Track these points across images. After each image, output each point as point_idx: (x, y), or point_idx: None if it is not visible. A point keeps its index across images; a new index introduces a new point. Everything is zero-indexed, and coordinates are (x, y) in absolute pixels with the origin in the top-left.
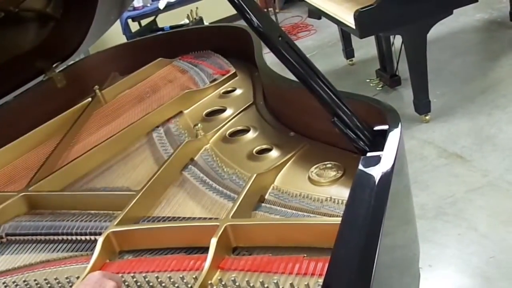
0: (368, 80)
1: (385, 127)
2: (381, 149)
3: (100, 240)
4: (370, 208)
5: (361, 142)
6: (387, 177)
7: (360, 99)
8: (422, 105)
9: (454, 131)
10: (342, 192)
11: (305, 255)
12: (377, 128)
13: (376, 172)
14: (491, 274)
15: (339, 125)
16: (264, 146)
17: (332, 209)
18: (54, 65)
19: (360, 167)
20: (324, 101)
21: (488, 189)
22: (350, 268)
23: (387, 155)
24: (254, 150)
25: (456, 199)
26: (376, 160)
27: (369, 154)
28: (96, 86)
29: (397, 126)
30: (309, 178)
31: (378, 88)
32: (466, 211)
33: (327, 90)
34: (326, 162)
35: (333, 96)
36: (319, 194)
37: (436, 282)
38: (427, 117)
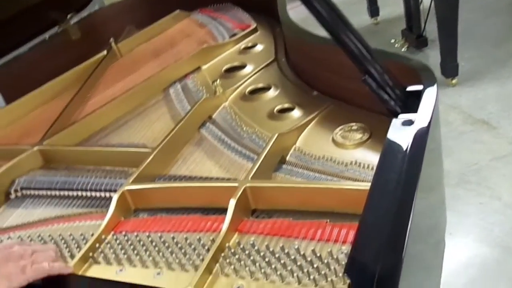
0: (392, 41)
1: (419, 87)
2: (415, 110)
3: (115, 197)
4: (402, 174)
5: (393, 103)
6: (421, 141)
7: (391, 57)
8: (450, 68)
9: (482, 96)
10: (368, 156)
11: (328, 220)
12: (410, 88)
13: (409, 135)
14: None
15: (371, 84)
16: (286, 105)
17: (357, 173)
18: (68, 17)
19: (392, 129)
20: (355, 57)
21: None
22: (380, 236)
23: (422, 117)
24: (275, 109)
25: (480, 167)
26: (409, 123)
27: (401, 116)
28: (111, 39)
29: (432, 86)
30: (333, 140)
31: (403, 50)
32: (490, 180)
33: (359, 45)
34: (351, 124)
35: (366, 52)
36: (344, 157)
37: (456, 251)
38: (454, 81)
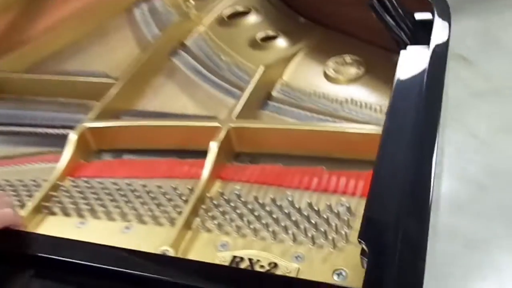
0: None
1: (429, 15)
2: (426, 42)
3: (73, 135)
4: (420, 114)
5: (402, 32)
6: (438, 76)
7: None
8: None
9: (460, 30)
10: (365, 94)
11: (324, 167)
12: (419, 16)
13: (422, 70)
14: (487, 183)
15: (377, 9)
16: (269, 33)
17: (354, 113)
18: None
19: (402, 63)
20: None
21: (491, 95)
22: (399, 191)
23: (436, 49)
24: (258, 37)
25: (459, 103)
26: (422, 55)
27: (410, 47)
28: None
29: (446, 15)
30: (325, 74)
31: None
32: (467, 117)
33: None
34: (345, 56)
35: None
36: (337, 93)
37: None
38: None
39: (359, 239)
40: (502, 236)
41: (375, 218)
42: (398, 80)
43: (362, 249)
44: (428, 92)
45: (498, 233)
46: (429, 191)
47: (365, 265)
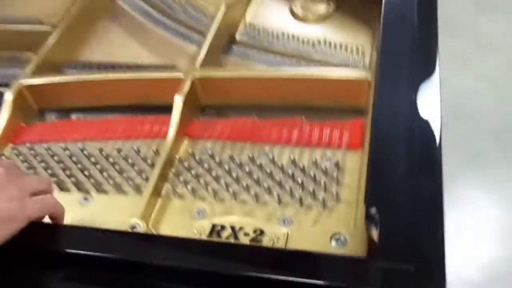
0: None
1: None
2: None
3: (9, 94)
4: (417, 50)
5: None
6: (430, 3)
7: None
8: None
9: None
10: (338, 33)
11: (304, 117)
12: None
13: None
14: (445, 119)
15: None
16: None
17: (330, 56)
18: None
19: None
20: None
21: (445, 31)
22: (405, 139)
23: None
24: None
25: None
26: None
27: None
28: None
29: None
30: (292, 12)
31: None
32: None
33: None
34: None
35: None
36: (307, 34)
37: None
38: None
39: (365, 205)
40: (459, 170)
41: (380, 177)
42: (386, 13)
43: (369, 215)
44: (422, 21)
45: (456, 167)
46: (438, 137)
47: (374, 234)
